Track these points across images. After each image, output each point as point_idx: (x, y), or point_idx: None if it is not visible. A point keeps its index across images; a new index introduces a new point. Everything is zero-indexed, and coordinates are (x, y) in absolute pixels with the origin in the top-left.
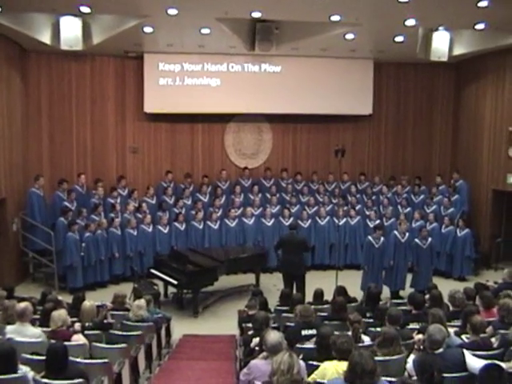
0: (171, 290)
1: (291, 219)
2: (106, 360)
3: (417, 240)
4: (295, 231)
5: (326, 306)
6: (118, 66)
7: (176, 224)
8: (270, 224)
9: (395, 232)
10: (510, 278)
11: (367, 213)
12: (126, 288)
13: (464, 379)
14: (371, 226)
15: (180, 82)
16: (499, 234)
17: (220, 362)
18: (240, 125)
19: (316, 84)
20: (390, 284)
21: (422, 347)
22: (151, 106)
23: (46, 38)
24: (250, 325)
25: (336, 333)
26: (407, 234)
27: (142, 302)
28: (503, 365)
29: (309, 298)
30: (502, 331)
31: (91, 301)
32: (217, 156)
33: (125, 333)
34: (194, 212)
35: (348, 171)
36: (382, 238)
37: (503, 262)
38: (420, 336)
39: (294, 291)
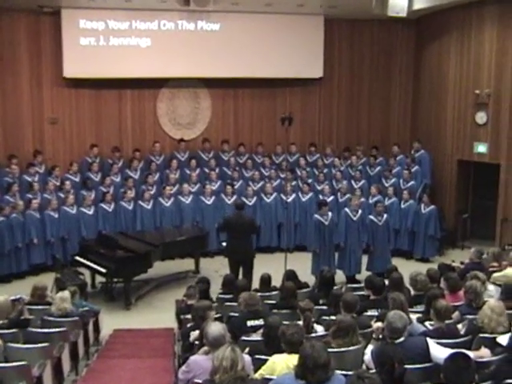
0: (99, 279)
1: (234, 197)
2: (23, 362)
3: (371, 216)
4: (243, 211)
5: (274, 293)
6: (31, 24)
7: (103, 205)
8: (210, 202)
9: (346, 209)
10: (477, 258)
11: (319, 188)
12: (47, 279)
13: (428, 370)
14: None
15: (104, 43)
16: (466, 209)
17: (156, 359)
18: (174, 91)
19: (260, 44)
20: (344, 267)
21: (381, 336)
22: (72, 70)
23: None
24: (189, 316)
25: (285, 323)
26: (360, 211)
27: (66, 293)
28: (470, 354)
29: (255, 284)
30: (470, 316)
31: (5, 295)
32: (148, 127)
33: (46, 330)
34: (123, 190)
35: (296, 142)
36: (330, 214)
37: (470, 240)
38: (379, 324)
39: (240, 277)
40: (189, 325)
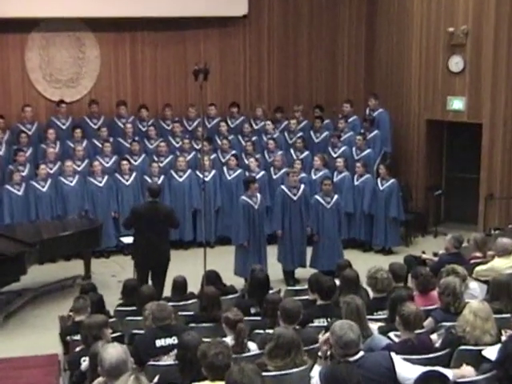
0: None
1: (133, 175)
2: None
3: (318, 197)
4: (158, 199)
5: (190, 302)
6: None
7: None
8: (102, 184)
9: (282, 187)
10: (455, 247)
11: (246, 162)
12: None
13: None
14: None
15: None
16: (438, 184)
17: None
18: (49, 36)
19: None
20: (284, 260)
21: (329, 353)
22: None
23: None
24: (78, 337)
25: (207, 340)
26: (302, 189)
27: None
28: (449, 372)
29: (167, 291)
30: (447, 324)
31: None
32: (15, 85)
33: None
34: None
35: (215, 101)
36: (260, 197)
37: (445, 224)
38: (326, 335)
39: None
40: (78, 348)
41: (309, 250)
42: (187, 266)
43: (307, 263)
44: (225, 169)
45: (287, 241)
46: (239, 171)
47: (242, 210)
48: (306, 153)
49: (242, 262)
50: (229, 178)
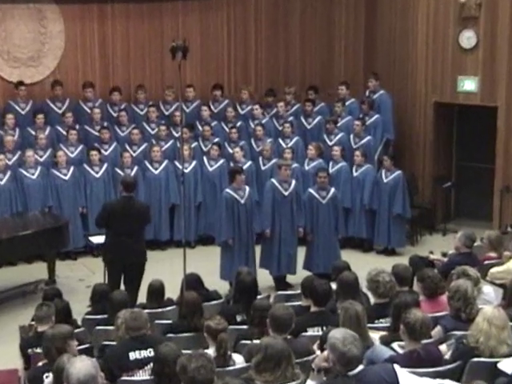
0: None
1: (104, 167)
2: None
3: (311, 191)
4: (133, 194)
5: (168, 309)
6: None
7: None
8: (67, 177)
9: (273, 180)
10: (466, 246)
11: (230, 150)
12: None
13: None
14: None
15: None
16: (448, 175)
17: None
18: (6, 8)
19: None
20: (270, 266)
21: (326, 366)
22: None
23: None
24: (40, 350)
25: (186, 352)
26: (293, 184)
27: None
28: None
29: (141, 297)
30: (458, 333)
31: None
32: None
33: None
34: None
35: (196, 83)
36: (248, 189)
37: (456, 220)
38: (325, 353)
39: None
40: (41, 363)
41: (302, 251)
42: (165, 269)
43: (297, 270)
44: (205, 159)
45: (275, 243)
46: (221, 161)
47: (225, 204)
48: (296, 138)
49: (228, 264)
50: (210, 169)
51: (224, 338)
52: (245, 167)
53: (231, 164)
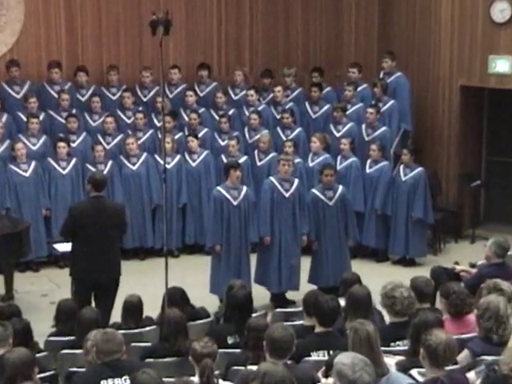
0: None
1: (73, 162)
2: None
3: (316, 191)
4: (103, 194)
5: (148, 329)
6: None
7: None
8: (28, 173)
9: (272, 179)
10: (498, 256)
11: (221, 143)
12: None
13: None
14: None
15: None
16: (477, 172)
17: None
18: None
19: None
20: (268, 281)
21: None
22: None
23: None
24: None
25: (168, 381)
26: (295, 183)
27: None
28: None
29: (115, 316)
30: (488, 358)
31: None
32: None
33: None
34: None
35: (180, 63)
36: (245, 188)
37: (485, 225)
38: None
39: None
40: None
41: (306, 262)
42: (144, 282)
43: (300, 285)
44: (186, 154)
45: (274, 253)
46: (204, 153)
47: (214, 205)
48: (298, 129)
49: (218, 277)
50: (193, 164)
51: (208, 363)
52: (240, 161)
53: (224, 158)
